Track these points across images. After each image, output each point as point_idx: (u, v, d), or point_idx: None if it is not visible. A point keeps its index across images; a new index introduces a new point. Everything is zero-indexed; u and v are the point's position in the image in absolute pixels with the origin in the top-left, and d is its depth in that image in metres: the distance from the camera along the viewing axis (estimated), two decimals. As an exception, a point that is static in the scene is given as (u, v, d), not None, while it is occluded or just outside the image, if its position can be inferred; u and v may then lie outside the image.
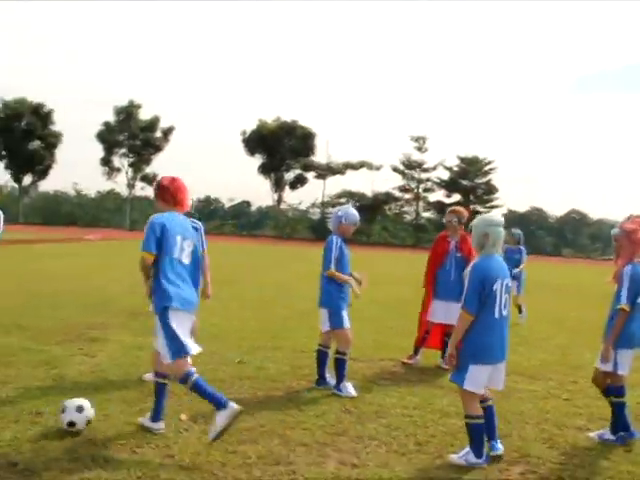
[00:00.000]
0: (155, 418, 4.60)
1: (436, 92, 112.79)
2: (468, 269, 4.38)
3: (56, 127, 64.65)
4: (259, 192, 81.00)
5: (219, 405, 4.23)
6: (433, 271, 7.23)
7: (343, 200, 66.42)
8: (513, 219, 58.06)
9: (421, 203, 66.56)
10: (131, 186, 69.78)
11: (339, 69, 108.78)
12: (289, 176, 68.00)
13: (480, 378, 4.28)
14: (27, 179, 65.53)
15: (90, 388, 5.55)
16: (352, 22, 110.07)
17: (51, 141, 63.74)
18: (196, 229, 5.21)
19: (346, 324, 5.96)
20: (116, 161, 67.94)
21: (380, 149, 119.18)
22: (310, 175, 67.22)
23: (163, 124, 67.49)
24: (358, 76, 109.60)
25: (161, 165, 68.85)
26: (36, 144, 63.19)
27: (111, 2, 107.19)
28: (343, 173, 66.04)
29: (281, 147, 65.30)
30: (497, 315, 4.29)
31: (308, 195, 78.80)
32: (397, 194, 66.20)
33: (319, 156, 66.72)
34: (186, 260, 4.52)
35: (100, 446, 4.27)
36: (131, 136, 66.64)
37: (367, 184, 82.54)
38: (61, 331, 8.04)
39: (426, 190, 66.28)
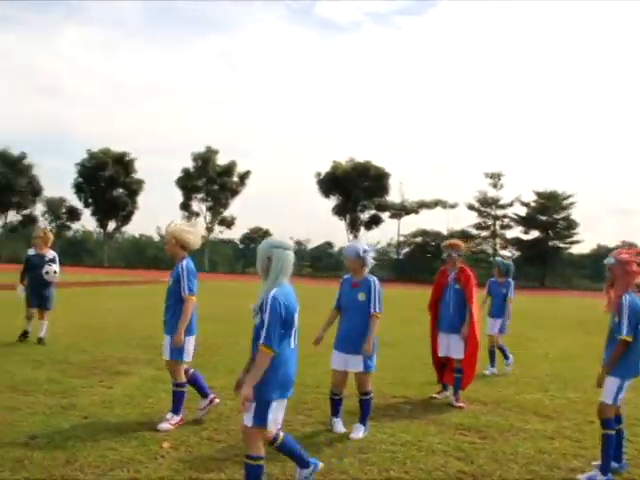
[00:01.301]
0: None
1: (510, 127, 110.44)
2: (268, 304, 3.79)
3: (138, 175, 68.19)
4: (334, 233, 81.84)
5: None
6: (435, 305, 7.38)
7: (419, 239, 66.19)
8: (603, 254, 55.55)
9: (498, 240, 65.08)
10: (209, 229, 72.12)
11: (410, 108, 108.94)
12: (364, 216, 68.45)
13: (276, 413, 3.93)
14: (111, 225, 69.07)
15: (91, 416, 5.83)
16: (419, 62, 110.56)
17: (133, 188, 67.17)
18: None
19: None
20: (195, 205, 70.61)
21: (454, 187, 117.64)
22: (385, 215, 67.40)
23: (239, 169, 69.82)
24: (430, 114, 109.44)
25: (238, 208, 71.01)
26: (119, 191, 66.77)
27: (181, 54, 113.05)
28: (417, 212, 65.72)
29: (355, 188, 65.90)
30: (292, 346, 4.01)
31: (383, 235, 78.69)
32: (474, 232, 65.06)
33: (393, 195, 66.93)
34: None
35: (77, 468, 4.48)
36: (209, 181, 69.23)
37: (442, 222, 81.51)
38: (91, 364, 8.43)
39: (503, 227, 64.87)
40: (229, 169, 69.62)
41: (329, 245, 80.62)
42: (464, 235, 64.28)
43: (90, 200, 66.32)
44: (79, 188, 65.97)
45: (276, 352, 3.78)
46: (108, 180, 65.67)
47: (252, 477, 3.88)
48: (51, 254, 10.25)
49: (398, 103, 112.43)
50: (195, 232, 5.77)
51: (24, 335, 10.11)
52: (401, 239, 67.57)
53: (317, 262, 76.43)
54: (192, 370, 6.00)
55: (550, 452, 5.41)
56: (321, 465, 4.42)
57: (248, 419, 3.82)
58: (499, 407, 7.01)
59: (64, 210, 67.62)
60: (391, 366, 9.30)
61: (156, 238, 78.17)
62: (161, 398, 6.64)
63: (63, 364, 8.40)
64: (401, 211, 66.14)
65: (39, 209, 67.33)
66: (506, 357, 9.32)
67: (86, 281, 30.80)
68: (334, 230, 72.12)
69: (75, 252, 69.37)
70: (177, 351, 5.63)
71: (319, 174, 67.57)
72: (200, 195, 70.63)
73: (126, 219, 69.13)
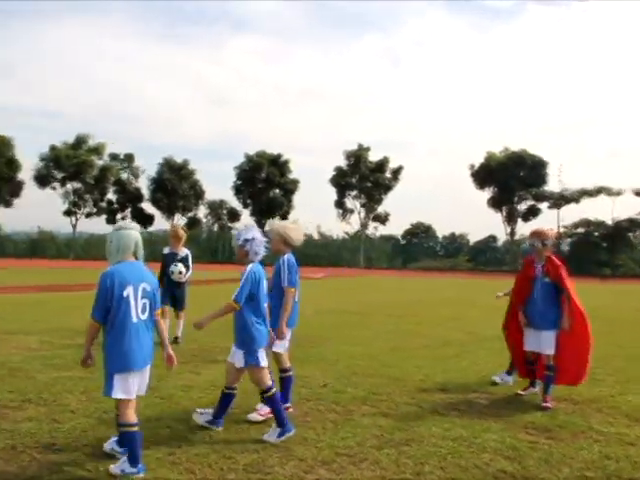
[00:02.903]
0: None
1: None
2: None
3: (293, 175, 70.74)
4: (489, 226, 78.42)
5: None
6: (521, 299, 6.80)
7: (581, 230, 61.79)
8: None
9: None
10: (364, 226, 73.05)
11: (566, 91, 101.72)
12: (521, 207, 65.40)
13: (126, 385, 4.23)
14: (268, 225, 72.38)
15: (166, 397, 6.28)
16: (585, 40, 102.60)
17: (289, 188, 69.85)
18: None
19: None
20: (349, 203, 71.83)
21: (619, 173, 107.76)
22: (543, 205, 63.80)
23: (392, 164, 69.89)
24: (600, 96, 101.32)
25: (392, 204, 71.09)
26: (275, 192, 69.78)
27: (342, 55, 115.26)
28: (578, 201, 61.31)
29: (511, 178, 63.14)
30: (135, 319, 4.23)
31: (543, 226, 73.89)
32: (643, 220, 59.26)
33: (551, 185, 63.12)
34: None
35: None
36: (362, 178, 70.07)
37: (606, 211, 74.94)
38: (194, 353, 8.96)
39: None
40: (381, 165, 69.92)
41: (493, 239, 77.74)
42: (633, 224, 58.93)
43: (248, 201, 70.08)
44: (238, 190, 69.97)
45: (100, 323, 4.20)
46: (264, 181, 68.96)
47: (127, 443, 4.26)
48: (183, 252, 10.11)
49: (558, 86, 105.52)
50: (297, 229, 5.97)
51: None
52: (562, 230, 63.39)
53: (480, 256, 74.12)
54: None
55: (618, 459, 4.88)
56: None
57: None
58: (589, 407, 6.44)
59: (224, 211, 72.13)
60: (486, 360, 8.92)
61: (315, 236, 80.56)
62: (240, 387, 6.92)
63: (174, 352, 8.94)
64: (560, 201, 62.10)
65: (202, 211, 72.45)
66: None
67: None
68: (492, 223, 69.42)
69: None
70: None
71: (473, 166, 65.70)
72: (353, 192, 71.70)
73: (283, 219, 72.07)
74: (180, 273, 9.85)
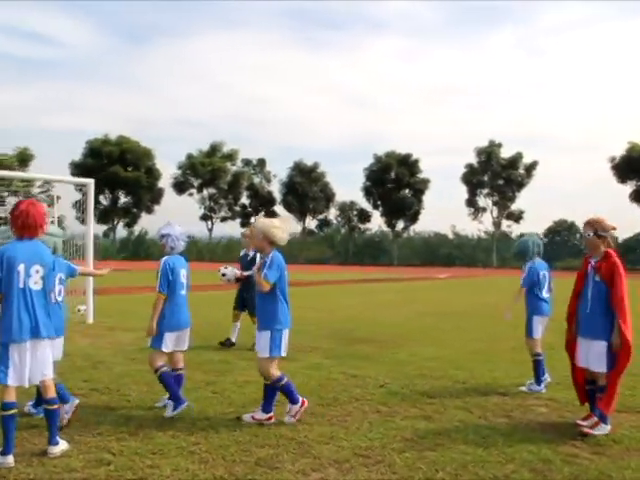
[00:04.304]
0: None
1: None
2: None
3: (423, 174, 69.91)
4: (633, 222, 71.70)
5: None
6: (574, 301, 5.83)
7: None
8: None
9: None
10: (496, 225, 70.62)
11: None
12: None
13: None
14: (399, 224, 72.00)
15: (219, 392, 6.55)
16: None
17: (419, 188, 69.14)
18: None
19: None
20: (480, 201, 69.81)
21: None
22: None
23: (525, 160, 67.04)
24: None
25: (526, 201, 68.05)
26: (405, 192, 69.34)
27: (478, 50, 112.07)
28: None
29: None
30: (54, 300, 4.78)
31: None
32: None
33: None
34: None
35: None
36: (494, 175, 67.82)
37: None
38: None
39: None
40: (514, 161, 67.34)
41: (645, 235, 71.64)
42: None
43: (378, 202, 70.28)
44: (367, 191, 70.41)
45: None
46: (394, 181, 68.82)
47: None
48: (252, 253, 9.44)
49: None
50: (283, 228, 5.62)
51: (224, 343, 9.65)
52: None
53: (630, 253, 68.73)
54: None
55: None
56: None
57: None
58: (663, 422, 5.82)
59: (355, 212, 72.84)
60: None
61: (450, 236, 79.01)
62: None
63: (244, 349, 9.11)
64: None
65: (332, 213, 73.70)
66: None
67: (331, 280, 32.97)
68: (635, 218, 63.88)
69: (371, 252, 74.03)
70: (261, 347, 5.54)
71: (613, 158, 61.26)
72: (485, 190, 69.62)
73: (413, 218, 71.50)
74: (224, 275, 8.87)
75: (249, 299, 9.09)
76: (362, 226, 74.37)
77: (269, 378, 5.55)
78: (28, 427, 5.10)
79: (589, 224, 5.66)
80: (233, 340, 9.71)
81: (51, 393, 4.58)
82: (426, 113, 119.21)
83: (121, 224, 68.72)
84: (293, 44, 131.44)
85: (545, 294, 7.15)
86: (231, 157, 69.02)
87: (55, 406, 4.60)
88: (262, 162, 72.36)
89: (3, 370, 4.35)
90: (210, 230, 71.60)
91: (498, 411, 6.11)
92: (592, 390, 5.62)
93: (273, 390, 5.60)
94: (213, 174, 66.40)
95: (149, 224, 68.77)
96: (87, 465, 4.37)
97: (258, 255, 10.17)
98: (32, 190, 34.44)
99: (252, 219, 70.17)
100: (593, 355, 5.46)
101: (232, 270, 8.88)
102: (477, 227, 78.51)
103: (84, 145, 64.37)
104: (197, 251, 71.31)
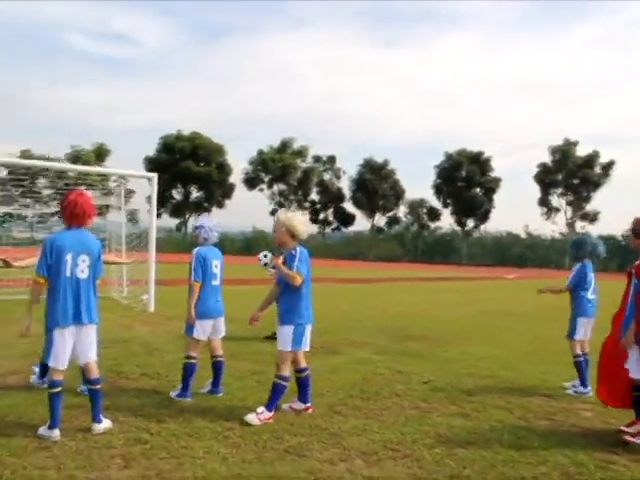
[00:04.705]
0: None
1: None
2: None
3: (494, 173, 68.36)
4: None
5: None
6: (623, 304, 5.60)
7: None
8: None
9: None
10: (570, 225, 68.32)
11: None
12: None
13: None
14: (470, 223, 70.71)
15: (263, 380, 6.67)
16: None
17: (490, 186, 67.65)
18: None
19: None
20: (554, 201, 67.71)
21: None
22: None
23: (602, 159, 64.46)
24: None
25: (603, 202, 65.48)
26: (476, 190, 67.99)
27: (559, 44, 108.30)
28: None
29: None
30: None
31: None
32: None
33: None
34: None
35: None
36: (568, 174, 65.60)
37: None
38: (322, 345, 9.04)
39: None
40: (590, 160, 64.84)
41: None
42: None
43: (448, 200, 69.24)
44: (438, 189, 69.49)
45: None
46: (465, 180, 67.64)
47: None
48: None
49: None
50: (305, 222, 5.63)
51: (270, 337, 9.28)
52: None
53: None
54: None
55: None
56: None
57: None
58: None
59: (424, 210, 72.03)
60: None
61: (523, 236, 76.82)
62: (331, 378, 7.16)
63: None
64: None
65: (402, 211, 73.11)
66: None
67: (397, 277, 32.70)
68: None
69: (441, 250, 73.00)
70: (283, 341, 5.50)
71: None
72: (559, 190, 67.45)
73: (484, 217, 70.06)
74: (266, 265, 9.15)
75: None
76: (432, 224, 73.50)
77: (279, 370, 5.44)
78: (79, 406, 5.40)
79: (633, 224, 5.51)
80: None
81: (94, 374, 4.84)
82: (499, 110, 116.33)
83: (192, 218, 70.61)
84: (368, 40, 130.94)
85: (591, 295, 6.94)
86: (301, 153, 69.61)
87: (98, 386, 4.87)
88: (332, 159, 72.63)
89: (48, 352, 4.66)
90: (279, 225, 72.53)
91: (540, 413, 6.00)
92: (638, 397, 5.37)
93: (306, 380, 5.70)
94: (283, 170, 67.19)
95: (220, 219, 69.99)
96: (126, 443, 4.62)
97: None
98: (108, 184, 35.91)
99: (320, 215, 70.72)
100: (634, 362, 5.23)
101: (271, 257, 8.87)
102: (551, 227, 75.77)
103: (158, 141, 66.51)
104: (266, 245, 72.43)
